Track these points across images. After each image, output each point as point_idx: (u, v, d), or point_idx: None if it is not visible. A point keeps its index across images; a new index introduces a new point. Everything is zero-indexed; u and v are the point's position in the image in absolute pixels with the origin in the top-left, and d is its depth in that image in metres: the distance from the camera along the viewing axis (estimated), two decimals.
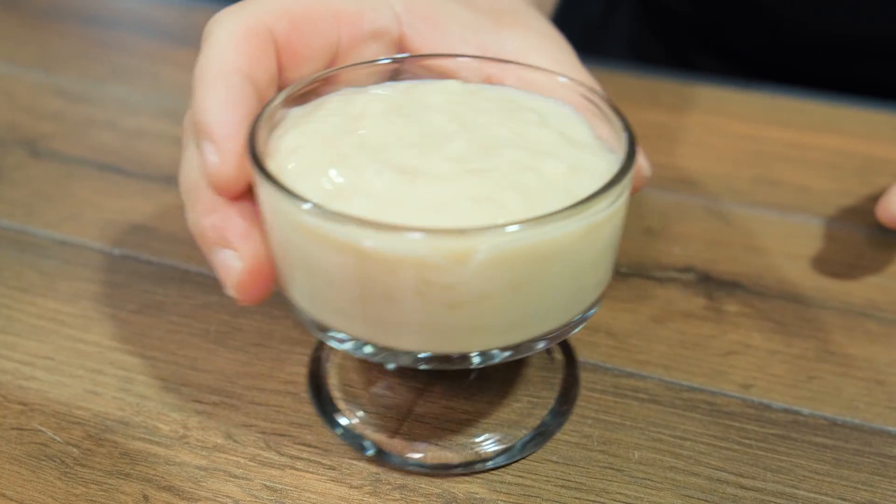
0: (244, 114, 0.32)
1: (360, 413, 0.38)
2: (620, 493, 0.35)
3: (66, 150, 0.56)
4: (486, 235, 0.28)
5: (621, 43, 0.84)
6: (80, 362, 0.41)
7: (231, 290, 0.32)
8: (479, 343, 0.31)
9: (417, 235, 0.28)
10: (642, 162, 0.38)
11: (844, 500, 0.36)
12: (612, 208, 0.31)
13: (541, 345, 0.33)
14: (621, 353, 0.42)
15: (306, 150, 0.32)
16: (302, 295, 0.32)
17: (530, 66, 0.37)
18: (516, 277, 0.30)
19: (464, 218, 0.29)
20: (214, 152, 0.31)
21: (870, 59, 0.69)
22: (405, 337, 0.31)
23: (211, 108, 0.32)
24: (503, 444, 0.37)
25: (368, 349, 0.32)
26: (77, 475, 0.35)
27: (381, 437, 0.37)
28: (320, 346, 0.42)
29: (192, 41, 0.69)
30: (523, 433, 0.37)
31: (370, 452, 0.36)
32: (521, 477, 0.36)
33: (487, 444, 0.37)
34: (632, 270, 0.47)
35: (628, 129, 0.33)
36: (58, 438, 0.37)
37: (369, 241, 0.28)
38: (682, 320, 0.44)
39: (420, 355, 0.32)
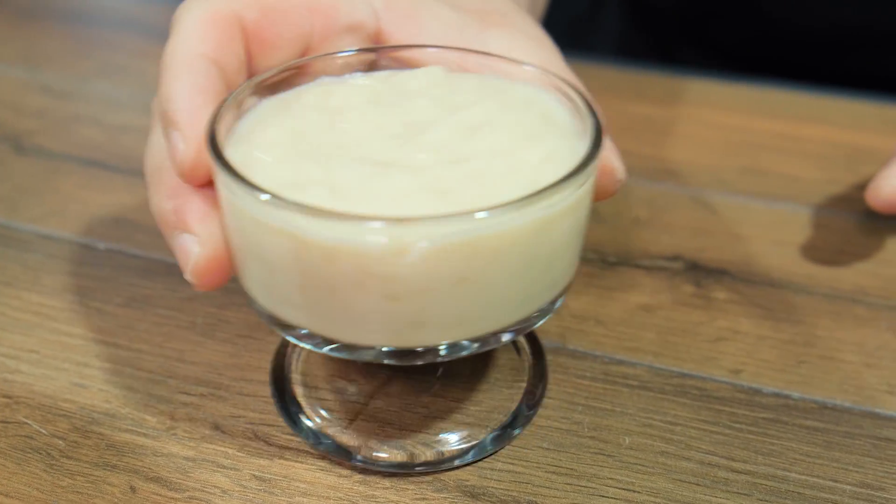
0: (209, 99, 0.32)
1: (324, 412, 0.37)
2: (612, 479, 0.35)
3: (50, 145, 0.56)
4: (423, 226, 0.27)
5: (607, 39, 0.84)
6: (66, 355, 0.40)
7: (188, 274, 0.32)
8: (424, 338, 0.31)
9: (354, 223, 0.27)
10: (616, 164, 0.36)
11: (836, 481, 0.35)
12: (567, 202, 0.30)
13: (499, 339, 0.32)
14: (610, 340, 0.42)
15: (280, 144, 0.32)
16: (256, 287, 0.32)
17: (504, 58, 0.36)
18: (458, 271, 0.29)
19: (420, 210, 0.28)
20: (180, 139, 0.31)
21: (853, 50, 0.69)
22: (349, 330, 0.31)
23: (175, 95, 0.32)
24: (469, 441, 0.36)
25: (320, 343, 0.31)
26: (63, 467, 0.35)
27: (343, 437, 0.36)
28: (284, 344, 0.41)
29: None
30: (489, 430, 0.37)
31: (332, 451, 0.36)
32: (511, 463, 0.36)
33: (453, 441, 0.36)
34: (620, 259, 0.47)
35: (595, 117, 0.32)
36: (43, 431, 0.37)
37: (308, 227, 0.28)
38: (670, 307, 0.44)
39: (382, 349, 0.31)
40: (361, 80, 0.36)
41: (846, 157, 0.57)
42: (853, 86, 0.66)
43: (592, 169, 0.31)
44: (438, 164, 0.30)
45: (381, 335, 0.31)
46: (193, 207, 0.32)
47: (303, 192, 0.29)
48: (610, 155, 0.35)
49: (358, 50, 0.37)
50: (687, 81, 0.65)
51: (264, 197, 0.28)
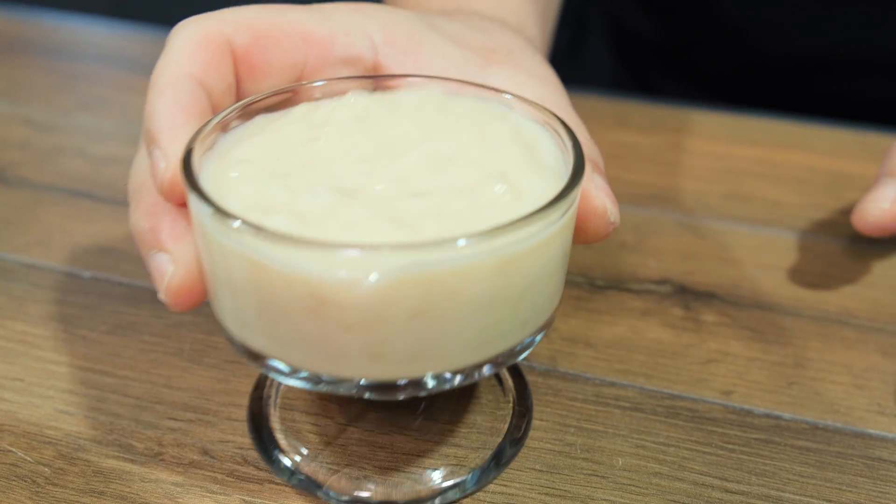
0: (192, 118, 0.32)
1: (303, 449, 0.36)
2: (606, 500, 0.35)
3: (34, 177, 0.56)
4: (378, 256, 0.27)
5: (589, 71, 0.85)
6: (51, 383, 0.40)
7: (161, 294, 0.32)
8: (383, 371, 0.30)
9: (310, 249, 0.27)
10: (608, 205, 0.34)
11: (830, 501, 0.35)
12: (534, 241, 0.29)
13: (472, 374, 0.31)
14: (601, 362, 0.42)
15: (254, 161, 0.32)
16: (225, 313, 0.32)
17: (498, 90, 0.35)
18: (414, 305, 0.28)
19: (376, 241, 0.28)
20: (160, 156, 0.31)
21: (834, 76, 0.70)
22: (312, 360, 0.30)
23: (158, 113, 0.32)
24: (451, 479, 0.35)
25: (289, 375, 0.31)
26: (49, 494, 0.34)
27: (322, 475, 0.35)
28: (261, 383, 0.40)
29: None
30: (471, 468, 0.36)
31: (319, 494, 0.35)
32: (504, 486, 0.35)
33: (436, 479, 0.35)
34: (608, 283, 0.47)
35: (578, 152, 0.31)
36: (28, 458, 0.36)
37: (264, 251, 0.28)
38: (660, 330, 0.44)
39: (360, 382, 0.30)
40: (356, 97, 0.36)
41: (827, 182, 0.58)
42: (834, 111, 0.67)
43: (565, 207, 0.30)
44: (399, 197, 0.30)
45: (340, 366, 0.30)
46: (169, 227, 0.32)
47: (264, 214, 0.29)
48: (601, 195, 0.34)
49: (361, 77, 0.37)
50: (669, 110, 0.66)
51: (221, 218, 0.28)
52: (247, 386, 0.40)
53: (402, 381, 0.30)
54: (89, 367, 0.41)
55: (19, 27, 0.79)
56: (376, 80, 0.37)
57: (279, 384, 0.39)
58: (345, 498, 0.34)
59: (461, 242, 0.27)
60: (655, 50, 0.79)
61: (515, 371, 0.41)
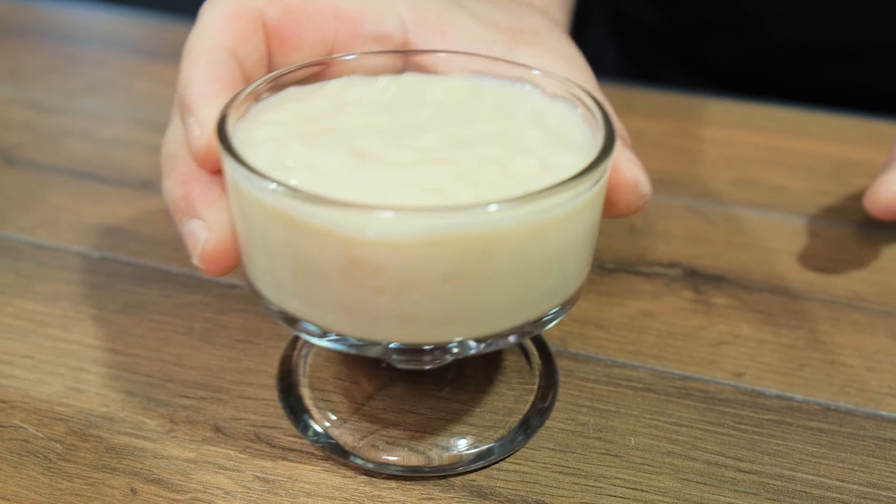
0: (225, 87, 0.32)
1: (331, 415, 0.37)
2: (619, 479, 0.35)
3: (40, 158, 0.55)
4: (412, 217, 0.27)
5: (592, 62, 0.85)
6: (61, 360, 0.39)
7: (195, 259, 0.32)
8: (414, 334, 0.30)
9: (343, 210, 0.27)
10: (640, 177, 0.35)
11: (842, 481, 0.35)
12: (565, 209, 0.29)
13: (500, 342, 0.31)
14: (612, 343, 0.42)
15: (280, 125, 0.32)
16: (259, 277, 0.32)
17: (528, 67, 0.36)
18: (445, 268, 0.28)
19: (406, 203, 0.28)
20: (195, 124, 0.32)
21: (836, 66, 0.70)
22: (344, 321, 0.30)
23: (192, 82, 0.32)
24: (478, 446, 0.36)
25: (321, 335, 0.31)
26: (61, 470, 0.34)
27: (351, 440, 0.35)
28: (291, 345, 0.40)
29: (164, 56, 0.69)
30: (498, 436, 0.36)
31: (347, 458, 0.35)
32: (517, 464, 0.35)
33: (462, 446, 0.36)
34: (618, 266, 0.47)
35: (609, 126, 0.32)
36: (40, 434, 0.36)
37: (300, 211, 0.28)
38: (670, 313, 0.44)
39: (388, 345, 0.30)
40: (386, 81, 0.36)
41: (834, 168, 0.58)
42: (838, 101, 0.67)
43: (596, 178, 0.30)
44: (422, 163, 0.30)
45: (372, 328, 0.30)
46: (202, 194, 0.32)
47: (290, 174, 0.29)
48: (633, 167, 0.34)
49: (392, 52, 0.37)
50: (675, 97, 0.66)
51: (257, 180, 0.28)
52: (258, 365, 0.40)
53: (429, 347, 0.30)
54: (99, 345, 0.40)
55: (24, 11, 0.79)
56: (408, 55, 0.37)
57: (307, 353, 0.40)
58: (371, 465, 0.35)
59: (494, 207, 0.27)
60: (659, 39, 0.79)
61: (541, 344, 0.41)
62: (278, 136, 0.31)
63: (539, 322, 0.32)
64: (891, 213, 0.44)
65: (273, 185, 0.28)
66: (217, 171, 0.32)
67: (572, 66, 0.38)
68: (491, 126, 0.33)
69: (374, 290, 0.29)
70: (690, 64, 0.77)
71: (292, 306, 0.31)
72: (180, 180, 0.32)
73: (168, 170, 0.33)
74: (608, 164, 0.31)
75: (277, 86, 0.34)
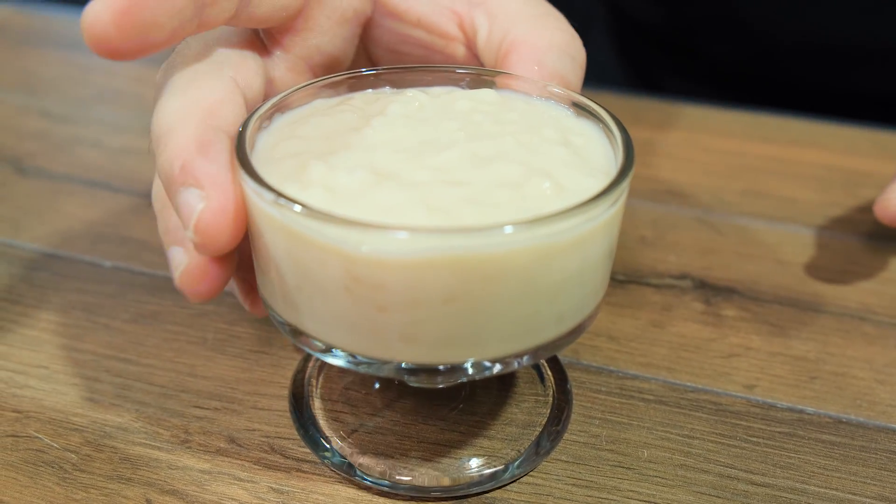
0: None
1: (344, 433, 0.37)
2: (633, 491, 0.35)
3: (52, 167, 0.56)
4: (412, 237, 0.27)
5: (593, 70, 0.84)
6: (76, 371, 0.40)
7: (190, 230, 0.29)
8: (414, 354, 0.30)
9: (343, 227, 0.27)
10: None
11: (855, 494, 0.35)
12: (574, 234, 0.29)
13: (509, 364, 0.31)
14: (623, 356, 0.42)
15: (305, 140, 0.32)
16: (269, 290, 0.32)
17: (551, 85, 0.35)
18: (447, 289, 0.28)
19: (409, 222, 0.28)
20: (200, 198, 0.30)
21: (845, 68, 0.70)
22: (338, 335, 0.30)
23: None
24: (490, 468, 0.36)
25: (328, 352, 0.31)
26: (77, 480, 0.34)
27: (363, 459, 0.36)
28: (304, 361, 0.41)
29: None
30: (512, 456, 0.36)
31: (357, 476, 0.35)
32: (530, 476, 0.36)
33: (474, 468, 0.36)
34: (628, 277, 0.47)
35: (627, 145, 0.31)
36: (55, 445, 0.36)
37: (302, 227, 0.28)
38: (681, 324, 0.44)
39: (400, 365, 0.30)
40: (414, 92, 0.36)
41: (843, 180, 0.58)
42: (841, 106, 0.67)
43: (608, 204, 0.29)
44: (437, 184, 0.30)
45: (376, 347, 0.30)
46: (202, 163, 0.30)
47: (304, 191, 0.29)
48: None
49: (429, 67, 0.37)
50: (681, 107, 0.66)
51: (263, 191, 0.28)
52: (271, 376, 0.40)
53: (443, 367, 0.30)
54: (113, 355, 0.41)
55: (36, 20, 0.80)
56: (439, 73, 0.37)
57: (320, 368, 0.40)
58: (384, 483, 0.35)
59: (500, 229, 0.27)
60: (662, 41, 0.79)
61: (556, 363, 0.41)
62: (300, 151, 0.32)
63: (549, 346, 0.31)
64: None
65: (272, 196, 0.28)
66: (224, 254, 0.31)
67: (560, 26, 0.37)
68: (513, 141, 0.33)
69: (375, 308, 0.29)
70: (693, 67, 0.77)
71: (298, 320, 0.31)
72: (178, 150, 0.30)
73: (162, 146, 0.31)
74: (622, 190, 0.30)
75: (304, 97, 0.35)
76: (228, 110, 0.32)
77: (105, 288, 0.45)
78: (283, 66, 0.36)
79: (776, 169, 0.59)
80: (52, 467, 0.35)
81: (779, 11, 0.69)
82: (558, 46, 0.36)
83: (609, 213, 0.30)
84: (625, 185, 0.30)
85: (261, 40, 0.36)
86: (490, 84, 0.37)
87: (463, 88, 0.37)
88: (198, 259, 0.31)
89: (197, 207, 0.29)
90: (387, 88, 0.37)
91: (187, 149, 0.30)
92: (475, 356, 0.30)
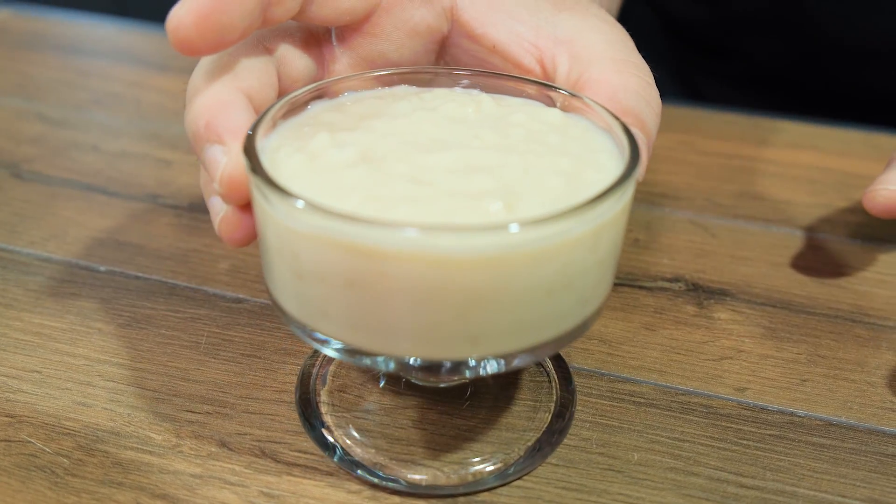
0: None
1: (351, 430, 0.37)
2: (622, 494, 0.35)
3: (49, 171, 0.56)
4: (405, 234, 0.27)
5: None
6: (69, 375, 0.40)
7: (216, 183, 0.32)
8: (417, 350, 0.30)
9: (345, 222, 0.28)
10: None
11: (844, 497, 0.35)
12: (567, 237, 0.29)
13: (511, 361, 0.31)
14: (615, 359, 0.42)
15: (339, 115, 0.35)
16: (277, 288, 0.32)
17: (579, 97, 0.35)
18: (449, 287, 0.29)
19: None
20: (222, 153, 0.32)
21: (879, 65, 0.69)
22: (340, 329, 0.31)
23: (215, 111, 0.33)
24: (496, 465, 0.36)
25: (324, 340, 0.32)
26: (68, 485, 0.35)
27: (368, 456, 0.36)
28: (311, 359, 0.41)
29: (173, 69, 0.69)
30: (517, 455, 0.36)
31: (359, 473, 0.35)
32: (521, 480, 0.36)
33: (478, 466, 0.36)
34: (621, 280, 0.47)
35: (633, 152, 0.32)
36: (47, 449, 0.36)
37: (304, 223, 0.29)
38: (673, 327, 0.44)
39: (404, 360, 0.31)
40: (482, 96, 0.37)
41: (837, 182, 0.58)
42: (870, 105, 0.66)
43: (598, 213, 0.29)
44: (404, 178, 0.31)
45: (377, 342, 0.31)
46: (227, 121, 0.32)
47: (291, 154, 0.31)
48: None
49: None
50: (678, 110, 0.66)
51: (261, 183, 0.29)
52: (263, 380, 0.40)
53: (447, 364, 0.31)
54: (106, 359, 0.41)
55: (33, 25, 0.80)
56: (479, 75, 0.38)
57: (326, 366, 0.40)
58: (390, 482, 0.35)
59: (490, 229, 0.27)
60: (704, 42, 0.77)
61: (560, 362, 0.41)
62: (327, 122, 0.34)
63: (551, 343, 0.32)
64: (888, 212, 0.44)
65: (264, 188, 0.29)
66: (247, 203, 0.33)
67: (613, 29, 0.38)
68: (519, 163, 0.32)
69: (377, 303, 0.29)
70: (733, 68, 0.76)
71: (304, 314, 0.31)
72: (203, 109, 0.32)
73: (190, 105, 0.33)
74: (619, 198, 0.30)
75: (325, 95, 0.36)
76: (254, 75, 0.34)
77: (99, 292, 0.45)
78: (345, 61, 0.38)
79: (771, 171, 0.59)
80: (44, 471, 0.35)
81: (826, 10, 0.68)
82: (634, 89, 0.36)
83: (603, 218, 0.30)
84: (617, 195, 0.30)
85: (319, 34, 0.38)
86: (568, 106, 0.36)
87: (535, 103, 0.37)
88: (233, 208, 0.33)
89: (221, 162, 0.32)
90: (457, 88, 0.38)
91: (211, 108, 0.32)
92: (478, 352, 0.31)
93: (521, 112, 0.36)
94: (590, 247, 0.30)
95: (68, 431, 0.37)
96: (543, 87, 0.37)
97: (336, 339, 0.31)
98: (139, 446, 0.36)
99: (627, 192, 0.31)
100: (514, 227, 0.27)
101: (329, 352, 0.32)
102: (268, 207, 0.30)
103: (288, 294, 0.32)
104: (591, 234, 0.30)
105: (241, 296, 0.45)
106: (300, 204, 0.28)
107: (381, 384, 0.40)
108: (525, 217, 0.28)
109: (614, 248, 0.32)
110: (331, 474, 0.35)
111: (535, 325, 0.31)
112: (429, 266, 0.28)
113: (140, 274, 0.46)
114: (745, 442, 0.38)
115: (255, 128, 0.32)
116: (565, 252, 0.29)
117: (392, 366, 0.31)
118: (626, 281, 0.47)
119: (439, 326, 0.30)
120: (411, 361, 0.31)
